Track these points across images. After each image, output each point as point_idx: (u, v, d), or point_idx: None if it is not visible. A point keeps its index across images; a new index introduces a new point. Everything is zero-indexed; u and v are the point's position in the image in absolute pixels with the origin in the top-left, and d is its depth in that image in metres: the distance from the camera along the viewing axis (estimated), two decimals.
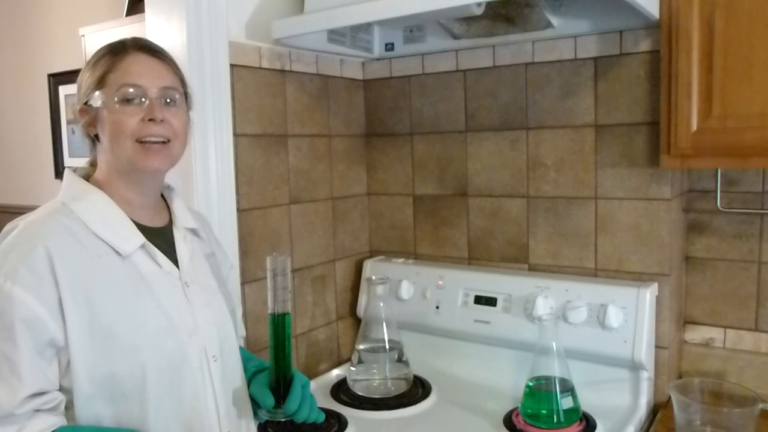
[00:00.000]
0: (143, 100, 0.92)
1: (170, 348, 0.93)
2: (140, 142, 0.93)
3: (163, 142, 0.94)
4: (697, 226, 1.59)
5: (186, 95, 1.00)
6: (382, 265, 1.79)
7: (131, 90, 0.92)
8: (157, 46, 0.99)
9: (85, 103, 0.95)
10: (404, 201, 1.83)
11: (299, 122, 1.64)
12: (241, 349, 1.12)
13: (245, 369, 1.09)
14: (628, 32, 1.44)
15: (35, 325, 0.84)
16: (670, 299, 1.47)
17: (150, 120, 0.92)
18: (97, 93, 0.93)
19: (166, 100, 0.95)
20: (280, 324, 1.04)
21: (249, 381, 1.08)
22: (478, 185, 1.69)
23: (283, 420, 1.05)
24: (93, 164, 1.01)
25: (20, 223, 0.91)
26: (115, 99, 0.92)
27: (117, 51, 0.94)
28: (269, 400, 1.02)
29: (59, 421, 0.86)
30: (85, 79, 0.95)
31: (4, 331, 0.84)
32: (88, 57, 0.98)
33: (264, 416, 1.09)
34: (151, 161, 0.94)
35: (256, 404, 1.08)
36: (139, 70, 0.93)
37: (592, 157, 1.52)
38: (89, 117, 0.96)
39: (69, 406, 0.88)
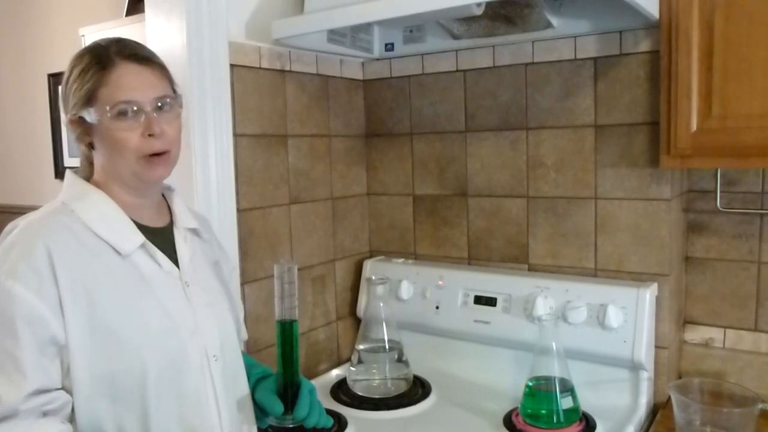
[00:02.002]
0: (136, 109, 0.92)
1: (171, 347, 0.93)
2: (143, 157, 0.93)
3: (165, 153, 0.95)
4: (697, 226, 1.59)
5: (176, 96, 1.00)
6: (382, 265, 1.79)
7: (126, 105, 0.91)
8: (143, 49, 0.97)
9: (76, 115, 0.93)
10: (404, 201, 1.83)
11: (299, 122, 1.64)
12: (244, 355, 1.12)
13: (249, 375, 1.09)
14: (628, 32, 1.44)
15: (36, 323, 0.84)
16: (670, 299, 1.47)
17: (150, 135, 0.92)
18: (90, 110, 0.91)
19: (158, 105, 0.94)
20: (287, 331, 1.04)
21: (254, 387, 1.08)
22: (478, 185, 1.69)
23: (291, 426, 1.05)
24: (90, 162, 1.00)
25: (21, 222, 0.92)
26: (109, 114, 0.91)
27: (103, 63, 0.91)
28: (278, 407, 1.02)
29: (65, 429, 0.85)
30: (73, 91, 0.93)
31: (6, 329, 0.84)
32: None
33: (271, 422, 1.09)
34: (156, 172, 0.95)
35: (261, 411, 1.08)
36: (130, 83, 0.92)
37: (592, 157, 1.52)
38: (82, 129, 0.95)
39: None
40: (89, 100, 0.91)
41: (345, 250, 1.82)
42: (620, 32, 1.45)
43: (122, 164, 0.94)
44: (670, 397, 1.30)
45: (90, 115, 0.92)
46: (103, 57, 0.92)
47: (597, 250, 1.54)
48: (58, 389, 0.87)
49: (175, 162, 0.99)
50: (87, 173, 1.00)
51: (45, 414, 0.85)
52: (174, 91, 0.99)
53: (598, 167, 1.52)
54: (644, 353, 1.39)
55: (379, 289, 1.58)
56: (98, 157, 0.97)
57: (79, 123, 0.94)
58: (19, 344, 0.83)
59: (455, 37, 1.63)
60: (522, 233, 1.64)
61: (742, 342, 1.56)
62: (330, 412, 1.42)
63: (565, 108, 1.54)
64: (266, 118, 1.54)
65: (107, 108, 0.91)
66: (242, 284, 1.47)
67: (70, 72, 0.94)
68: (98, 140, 0.94)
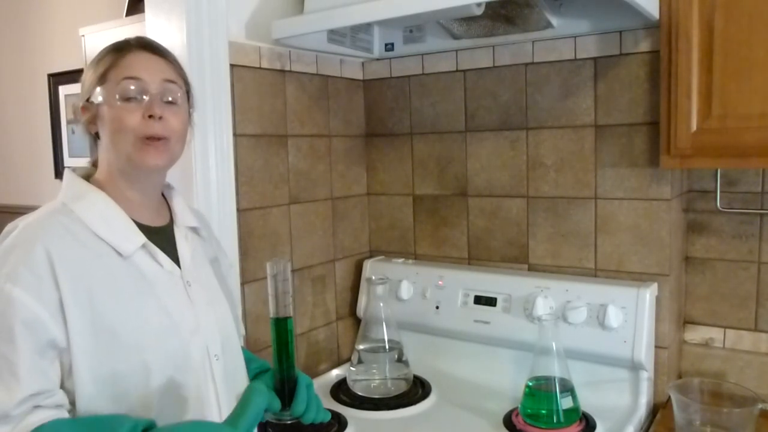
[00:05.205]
0: (144, 96, 0.93)
1: (172, 347, 0.93)
2: (140, 138, 0.93)
3: (163, 139, 0.95)
4: (697, 226, 1.59)
5: (188, 95, 1.00)
6: (382, 265, 1.79)
7: (132, 85, 0.92)
8: (161, 45, 0.99)
9: (87, 100, 0.95)
10: (404, 201, 1.83)
11: (299, 122, 1.64)
12: (243, 349, 1.12)
13: (247, 370, 1.09)
14: (628, 32, 1.44)
15: (35, 326, 0.84)
16: (670, 299, 1.47)
17: (149, 117, 0.92)
18: (98, 89, 0.93)
19: (168, 99, 0.95)
20: (282, 328, 1.04)
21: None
22: (478, 185, 1.69)
23: (289, 422, 1.05)
24: (94, 164, 1.01)
25: (20, 223, 0.91)
26: (117, 96, 0.92)
27: (120, 48, 0.95)
28: (276, 403, 1.02)
29: (54, 414, 0.84)
30: (88, 76, 0.96)
31: (4, 333, 0.83)
32: (88, 57, 0.98)
33: (269, 418, 1.09)
34: (150, 158, 0.94)
35: None
36: (140, 65, 0.93)
37: (592, 157, 1.52)
38: (90, 114, 0.96)
39: (72, 407, 0.88)
40: (100, 80, 0.93)
41: (345, 250, 1.82)
42: (620, 32, 1.45)
43: (120, 147, 0.93)
44: (670, 397, 1.30)
45: (97, 96, 0.93)
46: (121, 45, 0.96)
47: (597, 250, 1.54)
48: (57, 390, 0.86)
49: (174, 157, 0.98)
50: (87, 173, 1.00)
51: (37, 407, 0.84)
52: (187, 90, 1.00)
53: (598, 167, 1.52)
54: (644, 353, 1.39)
55: (379, 289, 1.58)
56: (102, 149, 0.97)
57: (88, 108, 0.96)
58: (16, 349, 0.83)
59: (455, 37, 1.64)
60: (522, 233, 1.64)
61: (742, 342, 1.56)
62: (330, 412, 1.43)
63: (565, 108, 1.54)
64: (266, 118, 1.54)
65: (114, 87, 0.92)
66: (242, 284, 1.47)
67: (91, 62, 0.97)
68: (102, 124, 0.95)
